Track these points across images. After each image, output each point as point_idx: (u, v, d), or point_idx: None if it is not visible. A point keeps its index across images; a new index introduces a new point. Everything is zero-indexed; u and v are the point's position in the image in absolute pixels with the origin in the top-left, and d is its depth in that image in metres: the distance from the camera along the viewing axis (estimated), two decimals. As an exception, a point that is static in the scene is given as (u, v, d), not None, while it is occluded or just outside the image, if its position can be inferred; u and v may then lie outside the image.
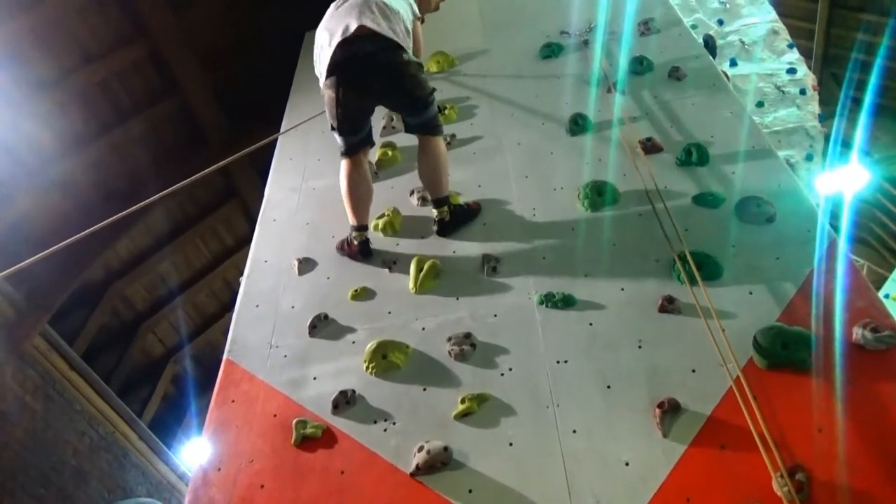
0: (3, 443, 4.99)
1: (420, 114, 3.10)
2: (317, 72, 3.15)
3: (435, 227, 3.21)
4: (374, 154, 3.79)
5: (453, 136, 3.84)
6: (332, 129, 3.12)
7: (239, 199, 7.75)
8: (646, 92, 3.79)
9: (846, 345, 2.26)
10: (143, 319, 7.43)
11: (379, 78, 3.01)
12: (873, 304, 2.41)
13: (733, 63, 6.66)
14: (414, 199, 3.48)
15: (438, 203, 3.20)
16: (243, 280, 3.35)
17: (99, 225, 3.10)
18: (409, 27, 3.22)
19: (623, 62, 4.01)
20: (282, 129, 4.30)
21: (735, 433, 2.11)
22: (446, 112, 4.03)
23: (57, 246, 2.96)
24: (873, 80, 8.26)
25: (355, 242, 3.18)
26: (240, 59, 6.76)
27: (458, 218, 3.21)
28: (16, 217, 5.39)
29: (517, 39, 4.55)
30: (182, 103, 6.54)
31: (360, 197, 3.17)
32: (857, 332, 2.26)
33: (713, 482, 2.02)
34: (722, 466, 2.06)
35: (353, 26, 2.95)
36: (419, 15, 3.48)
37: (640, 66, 3.95)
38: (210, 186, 7.37)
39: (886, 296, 6.82)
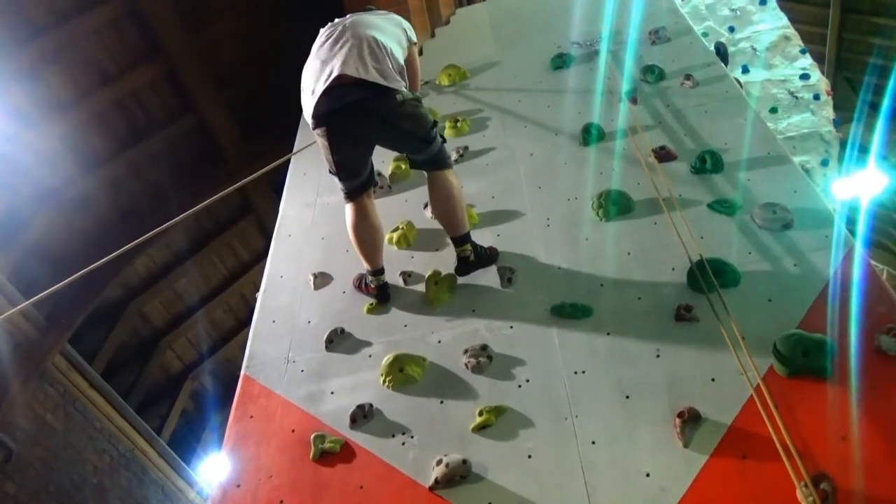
0: (26, 462, 5.03)
1: (424, 150, 2.89)
2: (305, 117, 2.91)
3: (455, 266, 3.02)
4: (387, 168, 3.82)
5: (466, 148, 3.86)
6: (331, 172, 2.95)
7: (254, 214, 7.82)
8: (658, 100, 3.78)
9: (868, 351, 2.23)
10: (162, 336, 7.50)
11: (373, 125, 2.81)
12: (895, 309, 2.37)
13: (745, 70, 6.65)
14: (428, 213, 3.49)
15: (459, 241, 2.98)
16: (259, 295, 3.37)
17: (120, 250, 3.14)
18: (402, 59, 3.03)
19: (629, 70, 4.01)
20: (295, 145, 4.34)
21: (757, 442, 2.08)
22: (458, 125, 4.05)
23: (79, 273, 3.00)
24: (892, 83, 8.18)
25: (373, 286, 3.06)
26: (254, 75, 6.84)
27: (481, 259, 3.02)
28: (36, 237, 5.48)
29: (528, 51, 4.57)
30: (198, 121, 6.63)
31: (370, 243, 2.98)
32: (879, 338, 2.23)
33: (736, 493, 1.99)
34: (744, 476, 2.03)
35: (335, 73, 2.71)
36: (414, 41, 3.27)
37: (651, 74, 3.95)
38: (226, 203, 7.44)
39: (907, 301, 6.72)
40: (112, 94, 5.81)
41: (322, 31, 3.06)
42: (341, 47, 2.82)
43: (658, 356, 2.46)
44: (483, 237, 3.24)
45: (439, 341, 2.81)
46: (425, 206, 3.51)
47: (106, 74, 5.71)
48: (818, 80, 6.64)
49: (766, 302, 2.53)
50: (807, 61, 6.63)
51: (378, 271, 3.04)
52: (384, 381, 2.70)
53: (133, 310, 6.95)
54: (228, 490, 2.47)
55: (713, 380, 2.32)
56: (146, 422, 6.58)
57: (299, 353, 2.95)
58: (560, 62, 4.34)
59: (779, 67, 6.65)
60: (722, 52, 5.22)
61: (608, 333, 2.61)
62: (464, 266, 3.00)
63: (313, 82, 2.80)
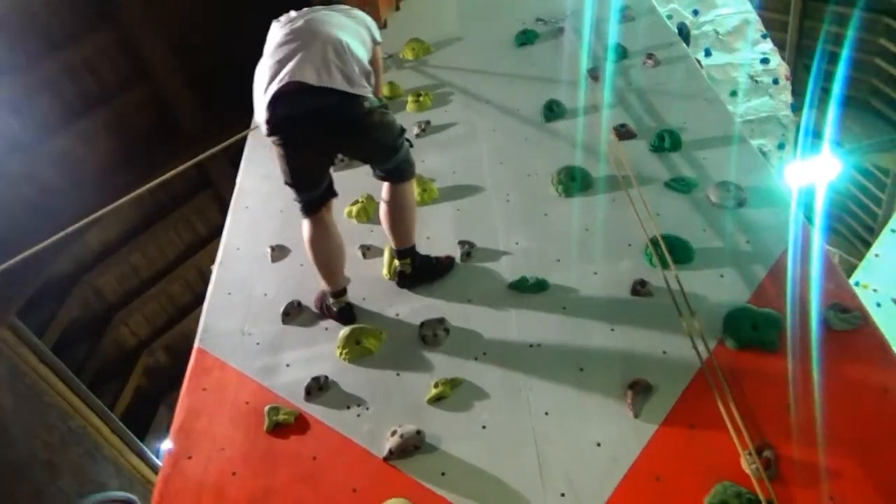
0: (-29, 437, 4.89)
1: (390, 159, 2.66)
2: (257, 121, 2.56)
3: (395, 279, 2.88)
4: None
5: (428, 122, 3.83)
6: (287, 184, 2.64)
7: (212, 188, 7.66)
8: (620, 78, 3.80)
9: (814, 325, 2.29)
10: (116, 311, 7.33)
11: (336, 135, 2.52)
12: (841, 286, 2.44)
13: (708, 53, 6.73)
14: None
15: (402, 254, 2.81)
16: (215, 268, 3.30)
17: (69, 229, 3.02)
18: (367, 60, 2.74)
19: (587, 47, 4.02)
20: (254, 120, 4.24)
21: (705, 413, 2.13)
22: (421, 99, 4.01)
23: (28, 252, 2.88)
24: (841, 70, 8.38)
25: (335, 309, 2.81)
26: (215, 45, 6.66)
27: (423, 272, 2.85)
28: (-18, 207, 5.28)
29: (493, 27, 4.54)
30: (154, 91, 6.43)
31: (330, 261, 2.73)
32: (825, 313, 2.29)
33: (683, 461, 2.04)
34: (692, 446, 2.07)
35: (295, 76, 2.40)
36: (379, 40, 2.98)
37: (614, 53, 3.96)
38: (183, 176, 7.22)
39: (857, 283, 6.93)
40: (62, 60, 5.60)
41: (276, 25, 2.73)
42: (301, 47, 2.50)
43: (612, 330, 2.49)
44: (443, 211, 3.24)
45: (397, 314, 2.80)
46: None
47: (55, 40, 5.49)
48: (778, 64, 6.76)
49: (719, 277, 2.58)
50: (767, 46, 6.75)
51: (340, 292, 2.80)
52: (340, 354, 2.68)
53: (85, 284, 6.77)
54: (180, 462, 2.43)
55: (665, 352, 2.36)
56: (99, 398, 6.43)
57: (255, 326, 2.91)
58: (524, 38, 4.32)
59: (740, 51, 6.76)
60: (684, 33, 5.27)
61: (564, 308, 2.63)
62: (402, 279, 2.86)
63: (266, 81, 2.47)
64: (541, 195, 3.18)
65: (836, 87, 8.38)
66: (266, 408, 2.51)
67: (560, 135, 3.50)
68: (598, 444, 2.13)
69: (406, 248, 2.80)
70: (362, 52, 2.70)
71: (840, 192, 10.63)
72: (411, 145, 2.77)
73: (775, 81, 6.47)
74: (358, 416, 2.45)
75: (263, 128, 2.49)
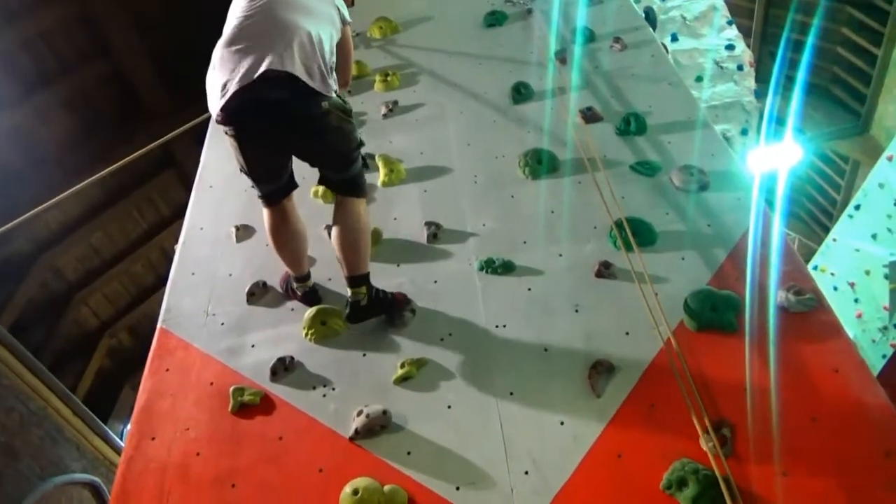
0: (-75, 420, 4.77)
1: (342, 170, 2.51)
2: (209, 107, 2.37)
3: (346, 310, 2.59)
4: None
5: (396, 103, 3.81)
6: (242, 172, 2.51)
7: (176, 167, 7.51)
8: (587, 62, 3.82)
9: (771, 307, 2.35)
10: (76, 291, 7.18)
11: (292, 131, 2.36)
12: (798, 269, 2.51)
13: (674, 38, 6.78)
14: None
15: (355, 282, 2.54)
16: (178, 247, 3.25)
17: (29, 214, 2.94)
18: (334, 47, 2.57)
19: (555, 29, 4.03)
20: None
21: (665, 392, 2.18)
22: (388, 79, 3.98)
23: None
24: (805, 58, 8.53)
25: (299, 293, 2.78)
26: (178, 21, 6.50)
27: (376, 307, 2.60)
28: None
29: (461, 7, 4.51)
30: (114, 67, 6.27)
31: (293, 250, 2.67)
32: (782, 295, 2.35)
33: (643, 439, 2.09)
34: (652, 424, 2.12)
35: (254, 67, 2.23)
36: (348, 20, 2.79)
37: (582, 36, 3.98)
38: (146, 155, 7.11)
39: (815, 267, 7.12)
40: (17, 33, 5.41)
41: (236, 5, 2.53)
42: (263, 35, 2.32)
43: (577, 311, 2.53)
44: (410, 192, 3.23)
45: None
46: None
47: (9, 12, 5.30)
48: (743, 51, 6.85)
49: (680, 260, 2.63)
50: (733, 32, 6.82)
51: (303, 277, 2.77)
52: (306, 335, 2.68)
53: (44, 264, 6.61)
54: (143, 443, 2.40)
55: (627, 333, 2.40)
56: (60, 379, 6.31)
57: (219, 307, 2.88)
58: (493, 20, 4.31)
59: (706, 37, 6.82)
60: (650, 17, 5.30)
61: (530, 289, 2.65)
62: (354, 312, 2.57)
63: (227, 73, 2.29)
64: (508, 177, 3.19)
65: (800, 75, 8.54)
66: (231, 388, 2.50)
67: (527, 117, 3.51)
68: (562, 423, 2.17)
69: (359, 274, 2.54)
70: (331, 40, 2.53)
71: (801, 178, 10.87)
72: (366, 166, 2.64)
73: (740, 68, 6.56)
74: (324, 396, 2.45)
75: (215, 116, 2.35)
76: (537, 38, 4.04)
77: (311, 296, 2.79)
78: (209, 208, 3.43)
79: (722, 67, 6.77)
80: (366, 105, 3.87)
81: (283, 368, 2.55)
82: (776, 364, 2.19)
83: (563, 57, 3.84)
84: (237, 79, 2.25)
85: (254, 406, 2.46)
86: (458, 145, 3.44)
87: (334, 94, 2.43)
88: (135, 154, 3.23)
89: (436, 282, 2.77)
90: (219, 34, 2.49)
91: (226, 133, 2.40)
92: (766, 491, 1.89)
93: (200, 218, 3.38)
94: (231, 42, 2.36)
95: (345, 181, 2.54)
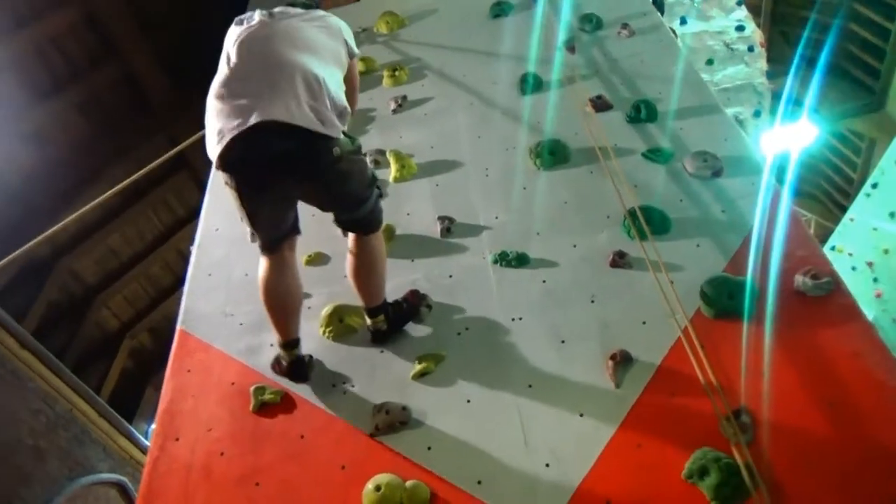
0: (-45, 424, 4.87)
1: (356, 210, 2.36)
2: (208, 151, 2.20)
3: (370, 337, 2.57)
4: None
5: (404, 97, 3.81)
6: (243, 221, 2.30)
7: (189, 168, 7.57)
8: (595, 49, 3.79)
9: (788, 292, 2.34)
10: (96, 294, 7.26)
11: (300, 181, 2.22)
12: (814, 253, 2.49)
13: (683, 21, 6.71)
14: (367, 161, 3.43)
15: (373, 312, 2.51)
16: (194, 249, 3.29)
17: (58, 226, 2.98)
18: (342, 84, 2.42)
19: (567, 18, 4.00)
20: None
21: (684, 381, 2.18)
22: (396, 74, 3.98)
23: (17, 252, 2.83)
24: (819, 36, 8.41)
25: (284, 363, 2.49)
26: (185, 20, 6.53)
27: (396, 324, 2.57)
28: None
29: (467, -2, 4.50)
30: (124, 68, 6.31)
31: (283, 307, 2.39)
32: (798, 280, 2.34)
33: (663, 429, 2.09)
34: (672, 413, 2.12)
35: (256, 117, 2.06)
36: (356, 52, 2.66)
37: (589, 23, 3.95)
38: (158, 156, 7.17)
39: (832, 248, 7.04)
40: (29, 39, 5.46)
41: (237, 30, 2.35)
42: (265, 76, 2.15)
43: (592, 301, 2.53)
44: (422, 187, 3.24)
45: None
46: (366, 154, 3.40)
47: (20, 18, 5.35)
48: (753, 31, 6.77)
49: (695, 247, 2.61)
50: (742, 13, 6.75)
51: (291, 343, 2.45)
52: (324, 332, 2.70)
53: (63, 267, 6.69)
54: (167, 444, 2.44)
55: (644, 323, 2.40)
56: (84, 381, 6.40)
57: (237, 307, 2.91)
58: (499, 10, 4.29)
59: (715, 19, 6.75)
60: (658, 2, 5.24)
61: (545, 281, 2.66)
62: (378, 338, 2.56)
63: (223, 120, 2.12)
64: (519, 168, 3.18)
65: (815, 53, 8.42)
66: (251, 388, 2.53)
67: (537, 107, 3.49)
68: (581, 415, 2.18)
69: (377, 305, 2.51)
70: (337, 77, 2.39)
71: (816, 158, 10.74)
72: (382, 195, 2.55)
73: (750, 49, 6.48)
74: (344, 393, 2.47)
75: (215, 163, 2.16)
76: (544, 27, 4.01)
77: (299, 368, 2.48)
78: (223, 209, 3.44)
79: (732, 49, 6.70)
80: (374, 101, 3.87)
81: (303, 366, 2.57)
82: (794, 349, 2.18)
83: (571, 46, 3.82)
84: (236, 126, 2.08)
85: (275, 405, 2.48)
86: (468, 138, 3.44)
87: (342, 135, 2.26)
88: (153, 164, 3.27)
89: (450, 276, 2.78)
90: (222, 26, 2.43)
91: (225, 183, 2.20)
92: (788, 477, 1.88)
93: (215, 219, 3.41)
94: (229, 82, 2.20)
95: (359, 220, 2.40)
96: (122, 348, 7.71)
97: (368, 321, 2.55)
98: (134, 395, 7.84)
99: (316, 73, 2.21)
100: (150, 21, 6.29)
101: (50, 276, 6.52)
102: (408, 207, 3.14)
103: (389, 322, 2.55)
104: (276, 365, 2.56)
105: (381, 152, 3.44)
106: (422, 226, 3.02)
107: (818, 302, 2.29)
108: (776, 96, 7.63)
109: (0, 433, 5.22)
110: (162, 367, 2.80)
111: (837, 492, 1.84)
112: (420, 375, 2.45)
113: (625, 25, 3.85)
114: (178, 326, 2.89)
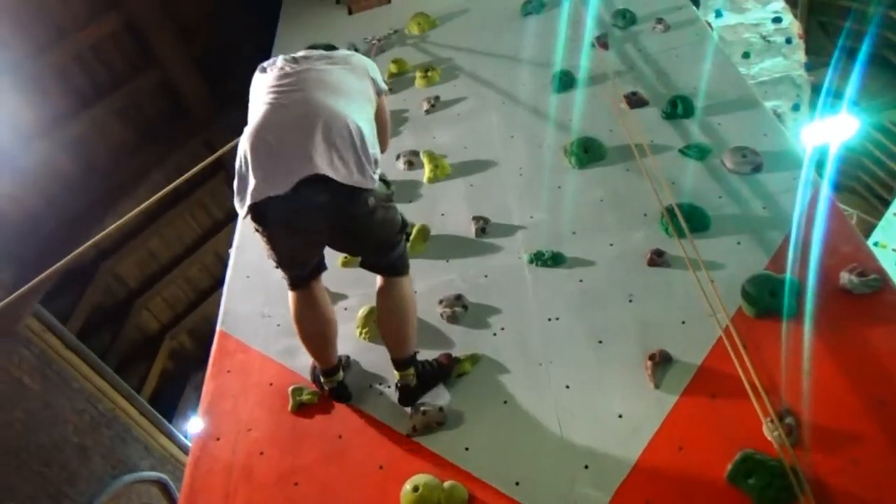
0: (6, 422, 5.02)
1: (386, 255, 2.34)
2: (235, 201, 2.17)
3: (397, 394, 2.42)
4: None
5: (437, 98, 3.81)
6: (270, 259, 2.30)
7: (225, 171, 7.68)
8: (629, 45, 3.75)
9: (832, 289, 2.28)
10: (137, 296, 7.42)
11: (330, 231, 2.20)
12: (859, 249, 2.42)
13: (719, 14, 6.60)
14: (400, 164, 3.46)
15: (402, 364, 2.38)
16: (232, 251, 3.34)
17: (104, 233, 3.06)
18: (374, 128, 2.32)
19: (597, 14, 3.96)
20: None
21: (725, 382, 2.14)
22: (429, 74, 3.98)
23: (63, 261, 2.92)
24: (871, 29, 8.16)
25: (326, 389, 2.48)
26: (218, 25, 6.63)
27: (426, 381, 2.41)
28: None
29: (498, -3, 4.49)
30: (162, 75, 6.43)
31: (319, 338, 2.39)
32: (844, 277, 2.28)
33: (705, 430, 2.05)
34: (713, 415, 2.08)
35: (296, 173, 2.00)
36: (384, 89, 2.57)
37: (622, 19, 3.91)
38: (196, 161, 7.28)
39: (875, 243, 6.85)
40: (71, 49, 5.59)
41: (262, 85, 2.29)
42: (298, 127, 2.07)
43: (630, 301, 2.50)
44: (456, 187, 3.24)
45: (415, 292, 2.79)
46: (398, 157, 3.46)
47: (62, 29, 5.49)
48: (790, 23, 6.63)
49: (736, 245, 2.56)
50: (779, 4, 6.61)
51: (331, 371, 2.43)
52: (360, 334, 2.72)
53: (106, 270, 6.85)
54: (208, 444, 2.48)
55: (684, 322, 2.36)
56: (126, 381, 6.56)
57: (274, 308, 2.94)
58: (530, 8, 4.27)
59: (751, 11, 6.62)
60: (694, -4, 5.16)
61: (581, 280, 2.63)
62: (405, 396, 2.39)
63: (257, 171, 2.06)
64: (553, 167, 3.16)
65: (855, 44, 8.18)
66: (290, 388, 2.55)
67: (570, 105, 3.47)
68: (620, 416, 2.15)
69: (407, 357, 2.38)
70: (369, 118, 2.31)
71: (857, 152, 10.46)
72: (408, 239, 2.51)
73: (788, 41, 6.35)
74: (381, 393, 2.49)
75: (242, 211, 2.12)
76: (576, 23, 3.98)
77: (341, 392, 2.47)
78: (260, 212, 3.49)
79: (769, 41, 6.57)
80: (408, 102, 3.89)
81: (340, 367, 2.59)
82: (841, 348, 2.12)
83: (604, 41, 3.78)
84: (269, 180, 2.03)
85: (312, 405, 2.51)
86: (501, 138, 3.43)
87: (377, 182, 2.20)
88: (194, 169, 3.32)
89: (486, 276, 2.78)
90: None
91: (255, 230, 2.20)
92: (835, 480, 1.84)
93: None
94: (260, 132, 2.12)
95: (388, 265, 2.36)
96: (163, 349, 7.87)
97: (396, 375, 2.40)
98: (174, 395, 8.00)
99: (350, 121, 2.13)
100: (186, 28, 6.39)
101: (94, 278, 6.68)
102: (442, 208, 3.14)
103: (419, 378, 2.39)
104: (318, 386, 2.53)
105: (415, 153, 3.45)
106: (456, 226, 3.02)
107: (865, 299, 2.23)
108: (815, 89, 7.45)
109: (48, 432, 5.37)
110: (200, 367, 2.85)
111: (890, 495, 1.79)
112: (457, 376, 2.44)
113: (659, 20, 3.80)
114: (218, 328, 2.94)
